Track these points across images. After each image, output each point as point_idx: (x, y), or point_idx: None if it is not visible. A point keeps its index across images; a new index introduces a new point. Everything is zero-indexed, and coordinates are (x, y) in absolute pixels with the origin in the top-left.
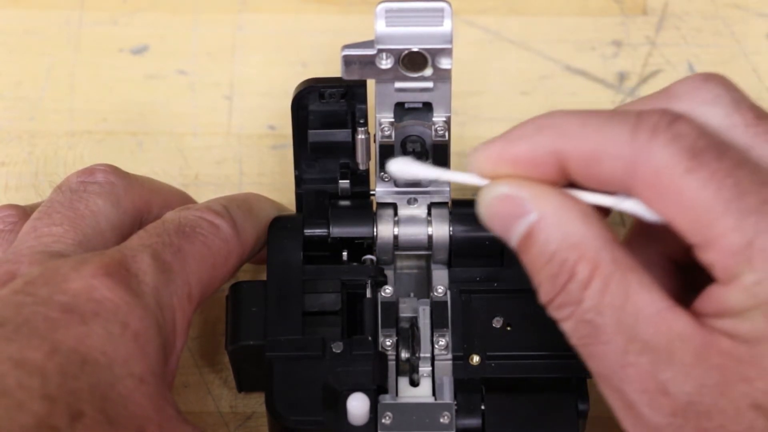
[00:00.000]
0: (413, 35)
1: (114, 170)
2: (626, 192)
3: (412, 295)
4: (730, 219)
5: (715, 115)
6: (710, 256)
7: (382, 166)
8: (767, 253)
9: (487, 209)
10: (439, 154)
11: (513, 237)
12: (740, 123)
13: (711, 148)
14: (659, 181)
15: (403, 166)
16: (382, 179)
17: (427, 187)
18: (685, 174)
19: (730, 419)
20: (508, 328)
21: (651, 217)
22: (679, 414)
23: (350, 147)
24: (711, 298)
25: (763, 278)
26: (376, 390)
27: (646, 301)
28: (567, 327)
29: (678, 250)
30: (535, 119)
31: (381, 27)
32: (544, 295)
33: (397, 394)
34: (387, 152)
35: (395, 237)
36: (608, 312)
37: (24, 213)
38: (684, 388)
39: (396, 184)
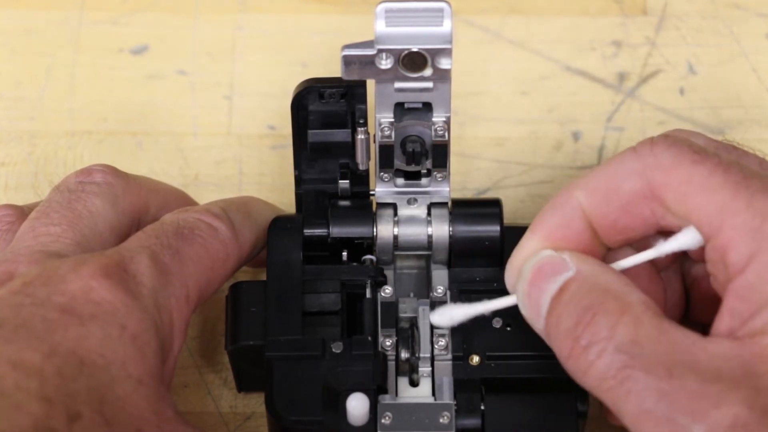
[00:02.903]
0: (413, 35)
1: (112, 170)
2: (656, 215)
3: (412, 295)
4: (741, 200)
5: None
6: (726, 239)
7: (381, 166)
8: None
9: (528, 274)
10: (438, 154)
11: (546, 297)
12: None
13: (707, 147)
14: (671, 178)
15: (447, 315)
16: (382, 179)
17: (426, 187)
18: (693, 166)
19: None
20: (508, 329)
21: (693, 242)
22: (739, 423)
23: (350, 147)
24: (738, 296)
25: None
26: (376, 390)
27: (679, 336)
28: (599, 367)
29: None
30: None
31: (381, 27)
32: (567, 338)
33: (396, 394)
34: (387, 152)
35: (395, 237)
36: (646, 343)
37: (21, 213)
38: (739, 396)
39: (396, 183)
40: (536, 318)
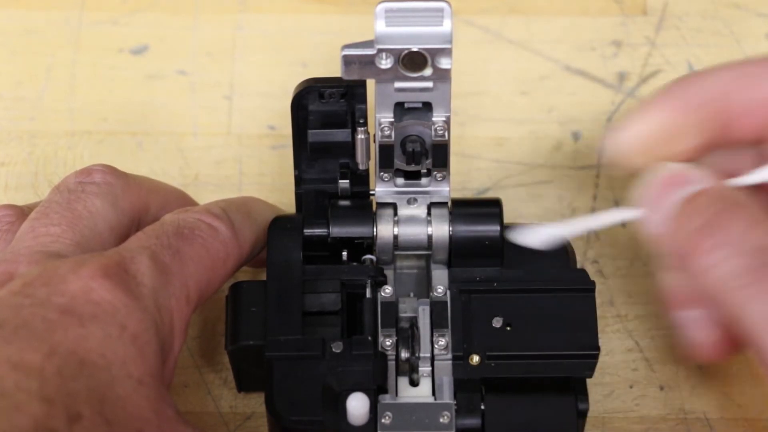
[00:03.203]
0: (413, 35)
1: (111, 170)
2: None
3: (411, 295)
4: None
5: None
6: None
7: (381, 166)
8: None
9: (662, 177)
10: (438, 154)
11: (677, 198)
12: None
13: None
14: None
15: (544, 234)
16: (382, 179)
17: (426, 187)
18: None
19: None
20: (508, 328)
21: None
22: None
23: (350, 147)
24: None
25: None
26: (376, 390)
27: None
28: (729, 265)
29: None
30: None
31: (381, 27)
32: (697, 236)
33: (396, 394)
34: (387, 152)
35: (395, 237)
36: None
37: (21, 213)
38: None
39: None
40: (658, 216)
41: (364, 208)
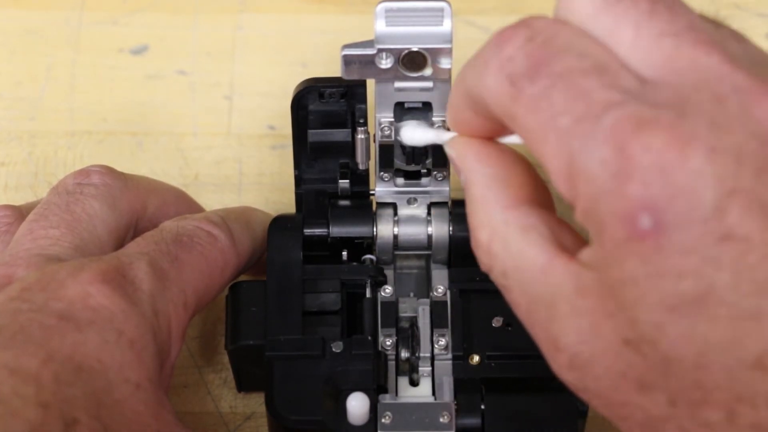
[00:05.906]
0: (413, 35)
1: (109, 171)
2: None
3: (412, 294)
4: (551, 143)
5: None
6: (552, 180)
7: (381, 166)
8: (586, 174)
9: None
10: (438, 153)
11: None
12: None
13: (526, 72)
14: (502, 112)
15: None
16: (382, 179)
17: (426, 187)
18: (512, 103)
19: (612, 360)
20: (508, 328)
21: None
22: (574, 367)
23: (350, 147)
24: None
25: (591, 200)
26: (376, 390)
27: (536, 257)
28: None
29: None
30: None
31: (381, 27)
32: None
33: (396, 394)
34: (387, 152)
35: (395, 237)
36: (512, 274)
37: (19, 214)
38: (568, 339)
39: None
40: None
41: (364, 208)
